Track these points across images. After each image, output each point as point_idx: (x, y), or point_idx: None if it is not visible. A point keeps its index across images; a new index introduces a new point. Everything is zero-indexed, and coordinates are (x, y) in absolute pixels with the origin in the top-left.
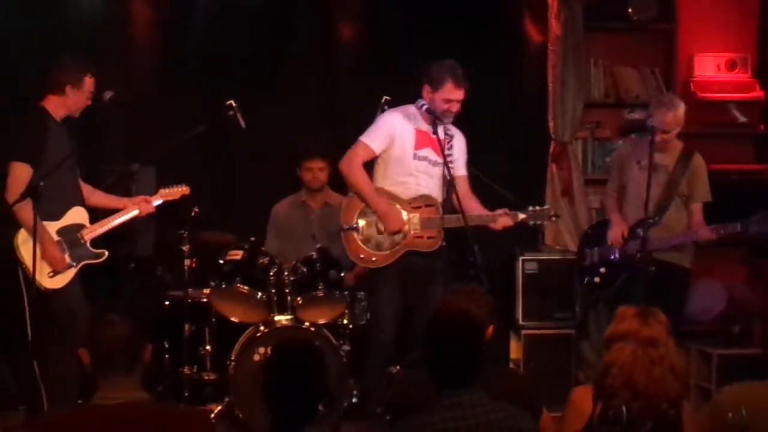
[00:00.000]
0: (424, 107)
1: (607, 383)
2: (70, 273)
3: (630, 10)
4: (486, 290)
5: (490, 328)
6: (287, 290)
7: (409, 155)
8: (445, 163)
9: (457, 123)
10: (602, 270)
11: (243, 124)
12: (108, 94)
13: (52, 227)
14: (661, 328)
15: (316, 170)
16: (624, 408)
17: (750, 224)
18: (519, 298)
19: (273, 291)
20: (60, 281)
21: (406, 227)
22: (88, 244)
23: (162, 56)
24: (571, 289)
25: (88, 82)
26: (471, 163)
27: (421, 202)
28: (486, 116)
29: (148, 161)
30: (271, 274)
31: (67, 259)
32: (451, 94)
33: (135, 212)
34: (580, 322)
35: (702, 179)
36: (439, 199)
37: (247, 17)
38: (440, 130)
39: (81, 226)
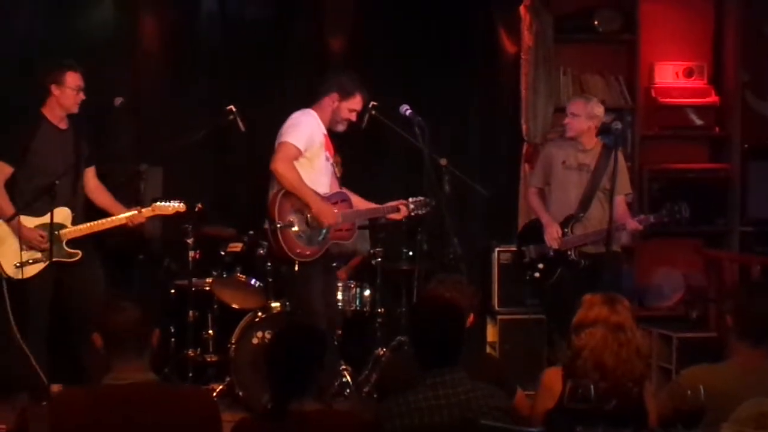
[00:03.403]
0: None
1: (578, 365)
2: (38, 266)
3: (596, 22)
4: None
5: (471, 316)
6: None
7: (322, 156)
8: (334, 165)
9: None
10: (540, 266)
11: (242, 127)
12: (119, 100)
13: (29, 222)
14: (627, 314)
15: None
16: (591, 387)
17: (662, 216)
18: (495, 286)
19: (269, 280)
20: (26, 272)
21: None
22: (63, 243)
23: (169, 64)
24: None
25: (70, 77)
26: (451, 161)
27: (337, 198)
28: (466, 119)
29: (156, 162)
30: (268, 264)
31: (38, 254)
32: (358, 105)
33: (123, 220)
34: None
35: (622, 173)
36: None
37: (249, 26)
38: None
39: (61, 226)
